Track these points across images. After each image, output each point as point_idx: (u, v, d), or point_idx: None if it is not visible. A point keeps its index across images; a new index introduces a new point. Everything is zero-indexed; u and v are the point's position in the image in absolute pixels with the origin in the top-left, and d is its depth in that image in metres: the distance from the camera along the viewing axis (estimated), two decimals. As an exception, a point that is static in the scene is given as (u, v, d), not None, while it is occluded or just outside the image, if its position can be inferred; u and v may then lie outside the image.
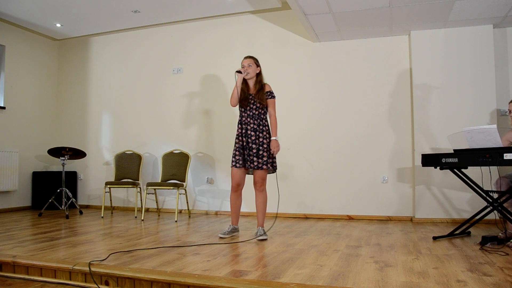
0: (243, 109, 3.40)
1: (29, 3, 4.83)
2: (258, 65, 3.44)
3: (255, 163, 3.29)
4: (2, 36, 5.40)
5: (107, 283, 2.29)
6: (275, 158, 3.38)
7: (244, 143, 3.33)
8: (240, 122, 3.40)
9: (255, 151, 3.30)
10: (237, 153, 3.35)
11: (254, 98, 3.36)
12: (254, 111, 3.36)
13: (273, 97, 3.41)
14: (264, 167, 3.29)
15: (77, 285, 2.34)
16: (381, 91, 4.65)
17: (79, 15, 5.22)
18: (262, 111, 3.38)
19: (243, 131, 3.35)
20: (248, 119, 3.36)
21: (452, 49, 4.35)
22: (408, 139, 4.55)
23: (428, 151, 4.30)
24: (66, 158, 4.91)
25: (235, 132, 3.43)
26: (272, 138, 3.33)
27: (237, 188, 3.40)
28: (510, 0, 3.68)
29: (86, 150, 5.60)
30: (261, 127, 3.35)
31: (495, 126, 2.94)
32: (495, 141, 2.93)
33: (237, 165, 3.33)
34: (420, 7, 3.88)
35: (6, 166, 5.24)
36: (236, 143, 3.38)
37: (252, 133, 3.33)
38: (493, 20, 4.13)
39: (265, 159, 3.29)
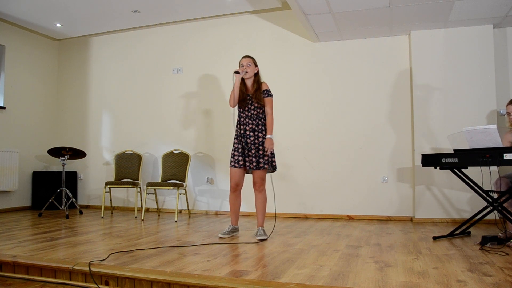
0: (241, 110, 3.39)
1: (29, 3, 4.83)
2: (256, 65, 3.44)
3: (255, 164, 3.29)
4: (2, 36, 5.40)
5: (107, 283, 2.29)
6: (274, 157, 3.38)
7: (243, 144, 3.33)
8: (238, 123, 3.39)
9: (254, 151, 3.30)
10: (236, 153, 3.35)
11: (252, 99, 3.36)
12: (252, 111, 3.36)
13: (270, 95, 3.39)
14: (266, 166, 3.29)
15: (77, 285, 2.34)
16: (381, 91, 4.64)
17: (79, 15, 5.22)
18: (261, 111, 3.37)
19: (242, 131, 3.35)
20: (247, 120, 3.35)
21: (452, 49, 4.35)
22: (408, 139, 4.55)
23: (428, 151, 4.30)
24: (66, 158, 4.91)
25: (234, 132, 3.43)
26: (267, 136, 3.30)
27: (236, 188, 3.40)
28: (510, 0, 3.68)
29: (86, 150, 5.60)
30: (260, 127, 3.34)
31: (495, 126, 2.94)
32: (495, 141, 2.93)
33: (236, 165, 3.33)
34: (420, 7, 3.88)
35: (6, 166, 5.24)
36: (235, 143, 3.38)
37: (251, 133, 3.32)
38: (493, 20, 4.13)
39: (265, 158, 3.29)
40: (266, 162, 3.29)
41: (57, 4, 4.87)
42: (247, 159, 3.32)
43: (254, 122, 3.34)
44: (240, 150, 3.34)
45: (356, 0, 3.77)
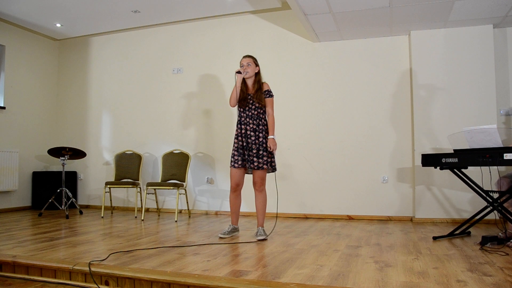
0: (242, 109, 3.39)
1: (29, 3, 4.83)
2: (257, 65, 3.44)
3: (255, 163, 3.29)
4: (2, 36, 5.40)
5: (107, 283, 2.29)
6: (274, 157, 3.39)
7: (244, 143, 3.33)
8: (239, 122, 3.39)
9: (255, 151, 3.30)
10: (236, 153, 3.35)
11: (253, 98, 3.36)
12: (253, 111, 3.36)
13: (271, 96, 3.41)
14: (264, 167, 3.29)
15: (77, 285, 2.34)
16: (381, 91, 4.64)
17: (79, 15, 5.22)
18: (261, 111, 3.38)
19: (242, 131, 3.35)
20: (248, 119, 3.36)
21: (452, 49, 4.35)
22: (408, 139, 4.55)
23: (428, 151, 4.30)
24: (66, 158, 4.91)
25: (234, 132, 3.43)
26: (270, 136, 3.32)
27: (236, 188, 3.40)
28: (510, 0, 3.68)
29: (86, 150, 5.60)
30: (260, 127, 3.35)
31: (495, 126, 2.94)
32: (495, 141, 2.93)
33: (236, 165, 3.33)
34: (420, 7, 3.88)
35: (6, 166, 5.24)
36: (235, 143, 3.38)
37: (252, 133, 3.33)
38: (493, 20, 4.12)
39: (265, 158, 3.30)
40: (265, 162, 3.29)
41: (57, 4, 4.86)
42: (247, 158, 3.32)
43: (255, 122, 3.34)
44: (240, 150, 3.34)
45: (356, 0, 3.77)
